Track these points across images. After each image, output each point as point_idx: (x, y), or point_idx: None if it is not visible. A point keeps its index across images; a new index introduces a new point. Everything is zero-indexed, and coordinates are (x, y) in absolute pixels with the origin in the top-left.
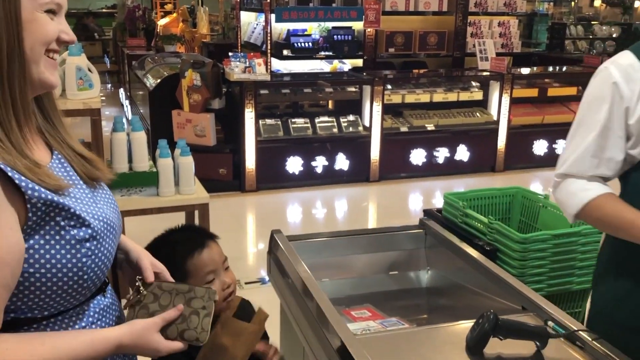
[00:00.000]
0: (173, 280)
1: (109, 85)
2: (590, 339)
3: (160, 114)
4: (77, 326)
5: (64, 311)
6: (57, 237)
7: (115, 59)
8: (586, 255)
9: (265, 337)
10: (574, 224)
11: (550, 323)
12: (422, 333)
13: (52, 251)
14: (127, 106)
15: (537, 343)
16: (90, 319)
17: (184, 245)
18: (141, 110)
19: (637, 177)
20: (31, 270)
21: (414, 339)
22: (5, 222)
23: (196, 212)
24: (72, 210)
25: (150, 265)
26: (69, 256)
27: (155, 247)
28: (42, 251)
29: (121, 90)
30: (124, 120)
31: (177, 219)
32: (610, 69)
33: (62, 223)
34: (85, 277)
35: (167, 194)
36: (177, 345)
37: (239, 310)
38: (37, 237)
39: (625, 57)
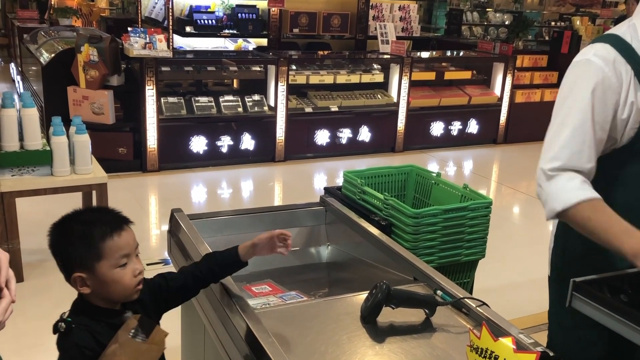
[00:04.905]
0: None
1: None
2: (474, 306)
3: (54, 91)
4: None
5: None
6: None
7: (5, 32)
8: (474, 228)
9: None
10: (464, 200)
11: (438, 292)
12: (319, 305)
13: None
14: (18, 82)
15: (426, 310)
16: None
17: (101, 225)
18: (34, 87)
19: (609, 164)
20: None
21: (311, 311)
22: None
23: (94, 193)
24: None
25: None
26: None
27: (66, 225)
28: None
29: (12, 65)
30: (15, 96)
31: (74, 200)
32: (596, 61)
33: None
34: None
35: (62, 174)
36: (3, 302)
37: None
38: None
39: (608, 50)
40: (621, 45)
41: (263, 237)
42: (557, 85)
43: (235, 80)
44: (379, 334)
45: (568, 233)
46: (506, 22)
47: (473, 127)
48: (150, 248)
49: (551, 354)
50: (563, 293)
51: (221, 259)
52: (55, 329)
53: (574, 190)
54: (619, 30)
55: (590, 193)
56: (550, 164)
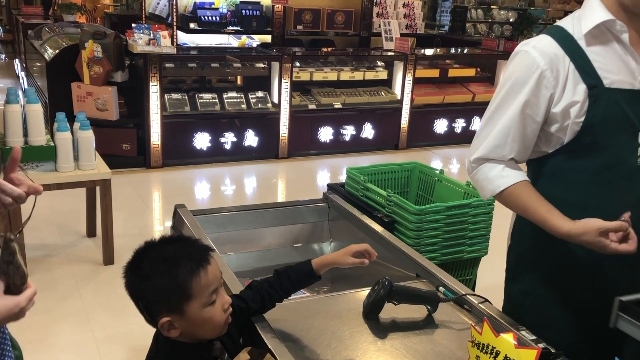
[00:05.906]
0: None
1: (3, 56)
2: (476, 302)
3: (58, 87)
4: None
5: None
6: None
7: (9, 28)
8: (477, 225)
9: None
10: (466, 197)
11: (441, 288)
12: (322, 301)
13: None
14: (23, 78)
15: (429, 307)
16: None
17: (186, 262)
18: (39, 83)
19: (557, 161)
20: None
21: (314, 307)
22: None
23: (97, 189)
24: None
25: None
26: None
27: (145, 264)
28: None
29: (16, 61)
30: (19, 92)
31: (77, 196)
32: (533, 54)
33: None
34: None
35: (66, 169)
36: (29, 292)
37: None
38: None
39: (548, 44)
40: (563, 38)
41: (347, 262)
42: None
43: (239, 77)
44: (381, 329)
45: (523, 230)
46: (511, 20)
47: (477, 124)
48: None
49: (552, 350)
50: (518, 291)
51: (295, 277)
52: None
53: (496, 179)
54: (565, 22)
55: (511, 179)
56: (474, 156)
